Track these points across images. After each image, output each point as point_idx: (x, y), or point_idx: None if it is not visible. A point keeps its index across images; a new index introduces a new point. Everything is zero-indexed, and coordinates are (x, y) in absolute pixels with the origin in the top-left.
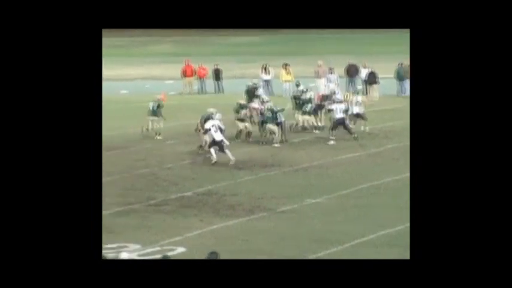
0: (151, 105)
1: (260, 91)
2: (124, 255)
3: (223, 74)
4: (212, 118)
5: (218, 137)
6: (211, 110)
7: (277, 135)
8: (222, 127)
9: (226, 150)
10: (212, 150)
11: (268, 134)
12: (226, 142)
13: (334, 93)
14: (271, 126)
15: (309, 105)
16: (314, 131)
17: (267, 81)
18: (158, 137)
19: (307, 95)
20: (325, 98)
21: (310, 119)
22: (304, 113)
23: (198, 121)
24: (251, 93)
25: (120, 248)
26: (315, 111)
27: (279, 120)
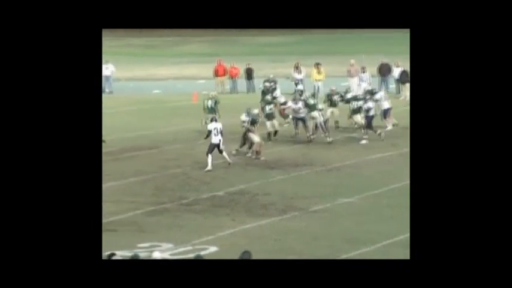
0: (208, 102)
1: (277, 92)
2: (156, 255)
3: (255, 74)
4: (218, 123)
5: (215, 140)
6: (256, 111)
7: (311, 126)
8: (255, 133)
9: (224, 153)
10: (209, 157)
11: (314, 126)
12: (222, 146)
13: (371, 92)
14: (316, 113)
15: (356, 103)
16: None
17: (299, 80)
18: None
19: (349, 95)
20: (370, 92)
21: (357, 117)
22: (354, 111)
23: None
24: (267, 94)
25: (153, 247)
26: (358, 110)
27: (319, 107)
